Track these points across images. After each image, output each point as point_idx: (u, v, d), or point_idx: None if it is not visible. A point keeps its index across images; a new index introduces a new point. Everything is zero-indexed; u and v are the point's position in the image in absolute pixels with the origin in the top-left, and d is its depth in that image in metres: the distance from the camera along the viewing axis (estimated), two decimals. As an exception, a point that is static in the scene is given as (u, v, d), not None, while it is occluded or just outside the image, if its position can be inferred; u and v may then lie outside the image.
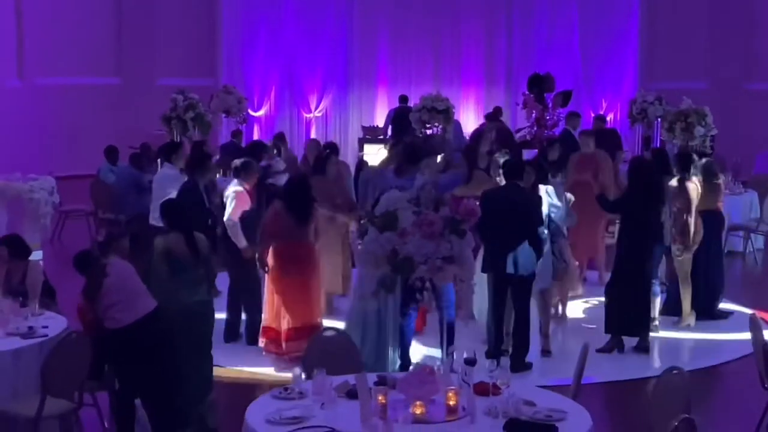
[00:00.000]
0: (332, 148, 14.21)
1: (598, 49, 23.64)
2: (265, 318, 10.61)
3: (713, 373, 10.46)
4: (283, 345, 10.27)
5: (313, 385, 6.77)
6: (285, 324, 10.27)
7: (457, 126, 19.30)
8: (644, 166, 11.27)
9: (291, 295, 10.36)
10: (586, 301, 12.66)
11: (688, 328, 11.74)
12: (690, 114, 17.71)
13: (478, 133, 17.18)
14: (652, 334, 11.05)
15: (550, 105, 20.23)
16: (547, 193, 10.63)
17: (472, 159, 13.54)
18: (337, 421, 6.25)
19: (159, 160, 16.44)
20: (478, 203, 9.02)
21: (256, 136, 22.38)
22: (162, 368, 8.16)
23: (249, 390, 9.56)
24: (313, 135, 23.21)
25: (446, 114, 18.93)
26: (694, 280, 11.76)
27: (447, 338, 8.92)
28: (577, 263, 12.28)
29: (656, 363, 10.51)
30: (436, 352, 9.60)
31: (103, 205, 16.29)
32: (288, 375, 8.62)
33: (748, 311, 12.21)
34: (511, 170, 10.52)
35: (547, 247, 10.42)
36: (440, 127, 18.62)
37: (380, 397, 6.33)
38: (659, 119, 19.76)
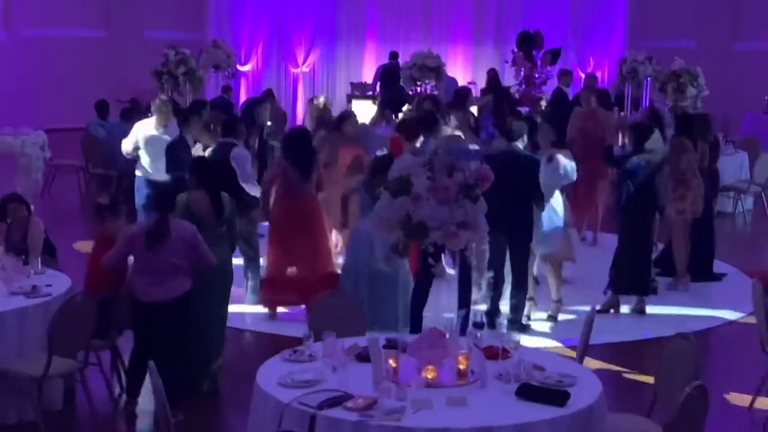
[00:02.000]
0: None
1: (587, 7, 23.64)
2: (270, 270, 10.67)
3: (710, 336, 10.51)
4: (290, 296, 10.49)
5: (323, 347, 6.78)
6: (299, 274, 10.48)
7: (453, 82, 19.21)
8: (648, 129, 11.24)
9: (300, 251, 10.46)
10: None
11: (683, 290, 11.84)
12: (682, 74, 17.80)
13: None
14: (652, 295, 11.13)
15: (539, 63, 20.28)
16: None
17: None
18: (349, 384, 6.24)
19: (149, 115, 16.41)
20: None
21: (243, 92, 22.33)
22: (183, 337, 8.07)
23: (255, 350, 9.59)
24: (300, 91, 23.15)
25: (437, 71, 18.96)
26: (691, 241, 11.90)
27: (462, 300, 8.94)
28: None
29: (653, 325, 10.54)
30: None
31: (94, 160, 16.26)
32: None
33: (740, 272, 12.39)
34: (510, 133, 10.53)
35: (557, 210, 10.49)
36: (431, 84, 18.62)
37: (391, 361, 6.36)
38: (649, 79, 19.85)
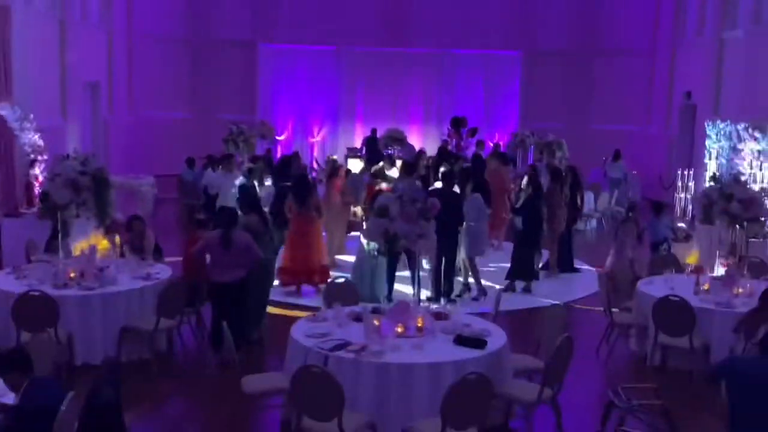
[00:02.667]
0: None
1: (494, 101, 23.57)
2: (285, 262, 10.47)
3: (572, 305, 10.46)
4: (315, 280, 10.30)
5: (332, 312, 6.80)
6: (300, 265, 10.27)
7: (412, 148, 19.23)
8: (535, 184, 11.26)
9: (304, 249, 10.31)
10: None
11: (554, 277, 11.85)
12: (553, 143, 17.89)
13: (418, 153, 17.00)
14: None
15: (464, 136, 20.25)
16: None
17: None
18: (349, 335, 6.27)
19: (220, 167, 16.30)
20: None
21: (279, 152, 22.17)
22: (241, 305, 7.97)
23: (288, 314, 9.55)
24: (315, 153, 23.02)
25: (402, 141, 18.97)
26: (559, 248, 11.93)
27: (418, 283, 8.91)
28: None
29: (537, 299, 10.53)
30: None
31: (184, 194, 16.16)
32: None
33: (589, 267, 12.41)
34: (446, 178, 10.50)
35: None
36: (397, 149, 18.60)
37: (376, 321, 6.37)
38: (532, 146, 19.91)
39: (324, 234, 11.09)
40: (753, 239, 10.41)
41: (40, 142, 12.74)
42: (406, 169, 10.80)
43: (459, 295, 10.29)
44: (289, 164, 13.35)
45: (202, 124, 22.16)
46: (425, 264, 10.77)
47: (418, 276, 8.60)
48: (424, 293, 9.61)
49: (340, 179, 12.43)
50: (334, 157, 14.22)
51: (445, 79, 23.34)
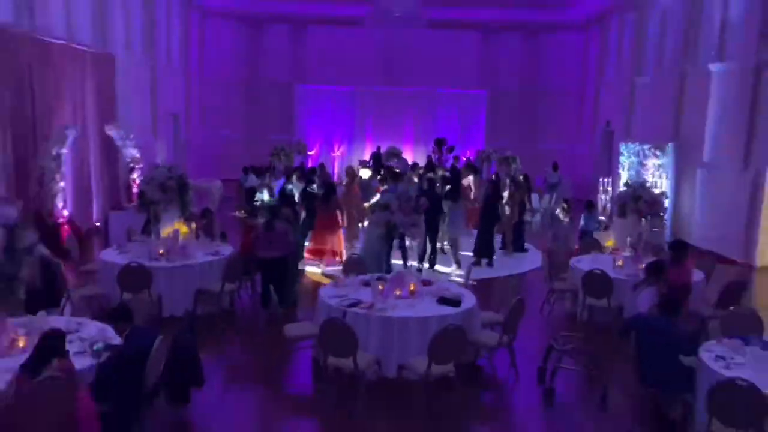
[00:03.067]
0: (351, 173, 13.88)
1: (466, 126, 23.41)
2: (310, 245, 10.41)
3: (522, 276, 10.34)
4: (324, 259, 10.22)
5: (349, 280, 6.80)
6: (320, 247, 10.21)
7: (405, 161, 19.12)
8: (495, 188, 11.19)
9: (323, 237, 10.27)
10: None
11: (509, 255, 11.80)
12: (509, 158, 17.76)
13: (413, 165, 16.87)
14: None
15: (444, 152, 20.14)
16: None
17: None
18: (361, 296, 6.26)
19: (267, 175, 16.17)
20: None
21: (309, 164, 22.08)
22: (281, 275, 7.98)
23: (317, 282, 9.51)
24: (336, 166, 22.92)
25: (399, 156, 18.89)
26: (513, 234, 11.87)
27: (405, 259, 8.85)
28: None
29: (497, 270, 10.45)
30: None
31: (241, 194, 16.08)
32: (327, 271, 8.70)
33: (534, 248, 12.32)
34: (430, 183, 10.46)
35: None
36: (396, 161, 18.51)
37: (380, 286, 6.37)
38: (494, 160, 19.78)
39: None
40: (655, 229, 10.39)
41: (137, 155, 12.73)
42: (394, 177, 10.81)
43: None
44: (314, 172, 13.32)
45: (254, 142, 22.15)
46: (413, 244, 10.75)
47: (406, 252, 8.59)
48: (413, 264, 9.60)
49: (357, 184, 12.37)
50: (354, 166, 14.10)
51: (430, 110, 23.24)
